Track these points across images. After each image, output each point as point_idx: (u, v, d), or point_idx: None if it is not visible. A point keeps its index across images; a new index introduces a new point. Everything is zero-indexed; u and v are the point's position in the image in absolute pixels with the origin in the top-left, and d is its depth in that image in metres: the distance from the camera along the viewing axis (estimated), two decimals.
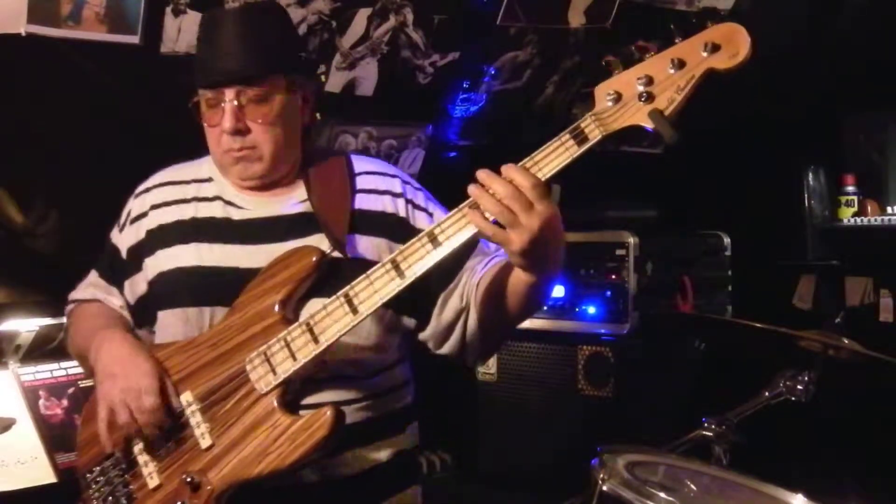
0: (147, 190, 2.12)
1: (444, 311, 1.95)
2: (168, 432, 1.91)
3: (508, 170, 1.66)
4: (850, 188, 4.19)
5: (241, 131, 1.93)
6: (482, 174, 1.67)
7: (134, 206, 2.12)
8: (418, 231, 1.90)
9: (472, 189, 1.68)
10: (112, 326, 2.07)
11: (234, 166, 1.98)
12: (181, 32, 2.89)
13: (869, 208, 4.15)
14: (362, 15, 3.26)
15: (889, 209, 4.10)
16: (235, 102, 1.91)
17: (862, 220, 4.11)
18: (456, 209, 1.73)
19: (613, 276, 3.51)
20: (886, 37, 3.86)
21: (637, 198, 4.02)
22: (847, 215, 4.17)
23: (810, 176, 4.23)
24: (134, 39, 2.84)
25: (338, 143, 3.53)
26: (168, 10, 2.86)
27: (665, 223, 3.97)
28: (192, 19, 2.87)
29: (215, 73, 1.92)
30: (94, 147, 2.96)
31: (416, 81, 3.56)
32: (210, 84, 1.93)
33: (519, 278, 1.79)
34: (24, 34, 2.66)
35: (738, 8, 3.80)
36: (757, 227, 4.12)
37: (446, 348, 1.98)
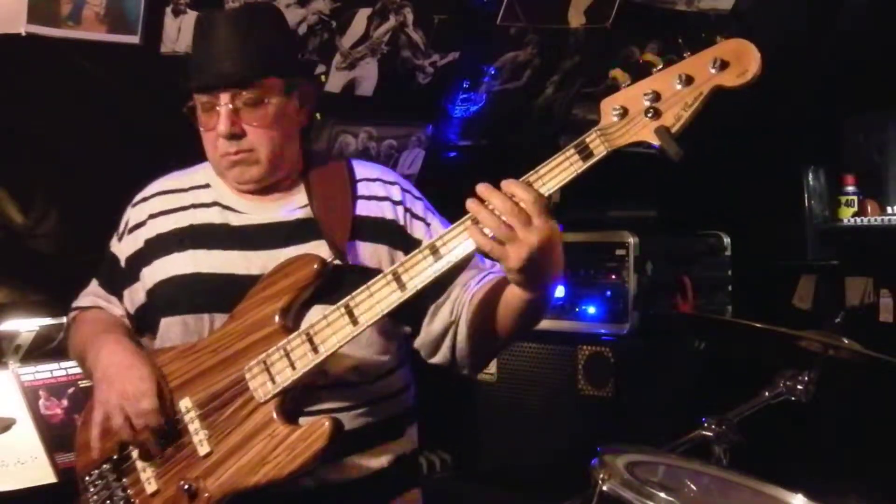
0: (145, 199, 2.11)
1: (434, 322, 1.94)
2: (166, 438, 1.90)
3: (509, 185, 1.63)
4: (850, 188, 4.18)
5: (236, 135, 1.92)
6: (482, 188, 1.64)
7: (132, 215, 2.11)
8: (414, 240, 1.89)
9: (470, 204, 1.64)
10: (112, 331, 2.06)
11: (231, 170, 1.97)
12: (181, 32, 2.89)
13: (869, 208, 4.14)
14: (362, 15, 3.26)
15: (889, 209, 4.10)
16: (230, 106, 1.90)
17: (862, 220, 4.10)
18: (457, 222, 1.70)
19: (613, 276, 3.51)
20: (886, 37, 3.87)
21: (637, 198, 4.01)
22: (847, 215, 4.17)
23: (810, 176, 4.23)
24: (134, 39, 2.84)
25: (338, 143, 3.53)
26: (168, 10, 2.86)
27: (665, 223, 3.96)
28: (192, 19, 2.86)
29: (209, 76, 1.91)
30: (94, 147, 2.96)
31: (416, 81, 3.55)
32: (204, 88, 1.92)
33: (515, 295, 1.76)
34: (24, 34, 2.66)
35: (738, 8, 3.79)
36: (757, 227, 4.12)
37: (437, 358, 1.98)
